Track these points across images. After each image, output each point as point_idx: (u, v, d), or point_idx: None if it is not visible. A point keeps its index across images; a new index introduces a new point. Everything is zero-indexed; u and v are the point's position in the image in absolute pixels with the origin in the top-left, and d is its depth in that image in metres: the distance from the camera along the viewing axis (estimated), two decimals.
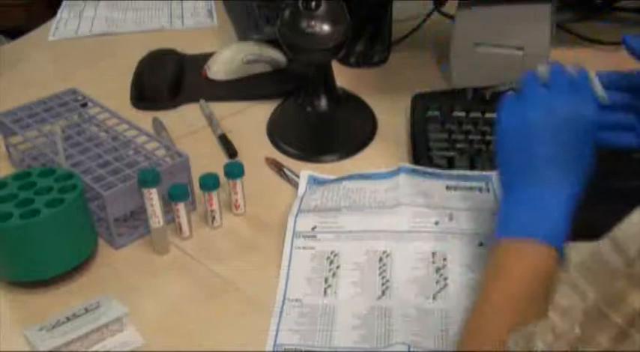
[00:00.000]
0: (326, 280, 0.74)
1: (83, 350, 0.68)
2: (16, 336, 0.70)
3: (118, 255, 0.80)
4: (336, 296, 0.73)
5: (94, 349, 0.68)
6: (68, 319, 0.69)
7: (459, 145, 0.89)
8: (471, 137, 0.90)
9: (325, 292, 0.73)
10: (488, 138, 0.90)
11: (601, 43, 1.14)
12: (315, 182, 0.87)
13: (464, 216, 0.79)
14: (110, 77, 1.11)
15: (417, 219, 0.79)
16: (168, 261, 0.79)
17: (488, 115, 0.92)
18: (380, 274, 0.74)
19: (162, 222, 0.78)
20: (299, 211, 0.81)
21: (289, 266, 0.76)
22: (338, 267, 0.76)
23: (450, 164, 0.87)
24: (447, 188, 0.84)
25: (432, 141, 0.90)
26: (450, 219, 0.78)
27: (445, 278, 0.73)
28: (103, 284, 0.76)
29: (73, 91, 0.96)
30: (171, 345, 0.69)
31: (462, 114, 0.93)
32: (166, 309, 0.73)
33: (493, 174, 0.85)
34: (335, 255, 0.77)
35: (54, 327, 0.68)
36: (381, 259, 0.76)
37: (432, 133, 0.91)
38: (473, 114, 0.93)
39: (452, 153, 0.88)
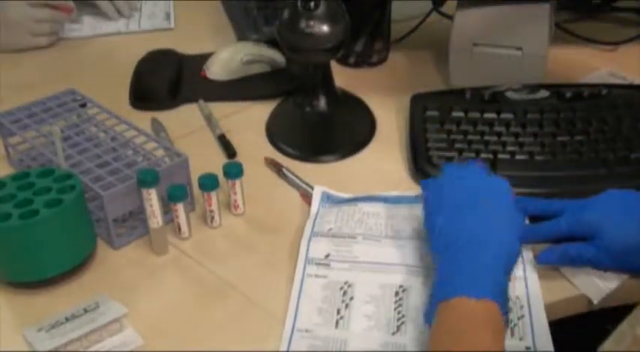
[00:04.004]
0: (338, 311, 0.71)
1: (82, 350, 0.68)
2: (15, 337, 0.70)
3: (117, 256, 0.80)
4: (348, 329, 0.69)
5: (92, 349, 0.68)
6: (67, 319, 0.69)
7: (457, 145, 0.89)
8: (469, 137, 0.90)
9: (337, 324, 0.70)
10: (486, 138, 0.90)
11: (600, 43, 1.14)
12: (329, 200, 0.84)
13: None
14: (109, 77, 1.11)
15: None
16: (167, 262, 0.79)
17: (486, 115, 0.92)
18: (395, 309, 0.71)
19: (161, 223, 0.78)
20: (312, 235, 0.78)
21: (300, 293, 0.73)
22: (351, 299, 0.72)
23: None
24: None
25: (430, 141, 0.90)
26: None
27: None
28: (102, 284, 0.76)
29: (72, 92, 0.96)
30: (169, 345, 0.69)
31: (461, 114, 0.93)
32: (165, 309, 0.73)
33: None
34: (349, 286, 0.73)
35: (53, 328, 0.68)
36: (397, 293, 0.72)
37: (431, 133, 0.92)
38: (471, 115, 0.93)
39: (450, 153, 0.88)
